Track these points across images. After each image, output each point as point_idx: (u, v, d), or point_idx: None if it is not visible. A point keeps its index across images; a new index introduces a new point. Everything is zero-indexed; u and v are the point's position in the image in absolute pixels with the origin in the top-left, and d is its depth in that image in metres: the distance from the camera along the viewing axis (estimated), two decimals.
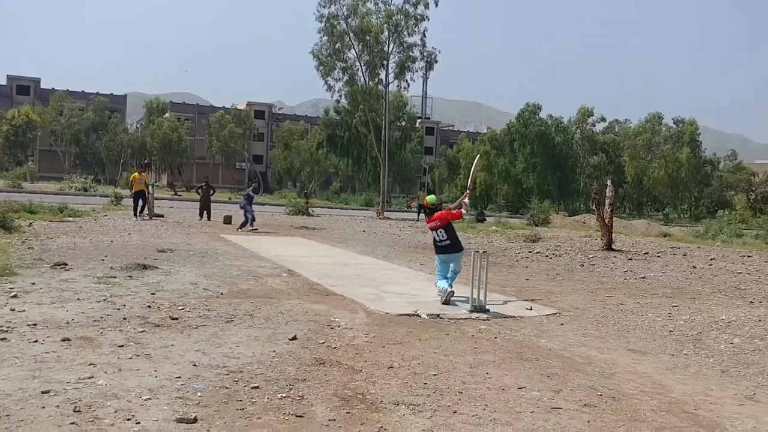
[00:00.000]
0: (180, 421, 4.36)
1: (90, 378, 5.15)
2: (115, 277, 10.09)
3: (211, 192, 27.35)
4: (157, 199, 29.03)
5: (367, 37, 37.02)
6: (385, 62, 37.93)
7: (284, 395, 5.01)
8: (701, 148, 73.84)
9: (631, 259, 16.52)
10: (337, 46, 37.59)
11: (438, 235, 9.91)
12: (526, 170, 70.25)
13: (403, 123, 70.69)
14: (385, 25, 37.02)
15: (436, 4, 37.78)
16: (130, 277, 10.19)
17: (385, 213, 39.84)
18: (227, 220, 25.00)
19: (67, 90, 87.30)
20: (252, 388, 5.15)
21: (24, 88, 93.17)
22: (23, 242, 14.06)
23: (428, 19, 37.70)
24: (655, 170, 70.89)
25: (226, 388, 5.13)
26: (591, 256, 16.95)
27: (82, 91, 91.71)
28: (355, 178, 75.18)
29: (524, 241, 20.91)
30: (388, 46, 37.66)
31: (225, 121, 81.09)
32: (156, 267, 11.29)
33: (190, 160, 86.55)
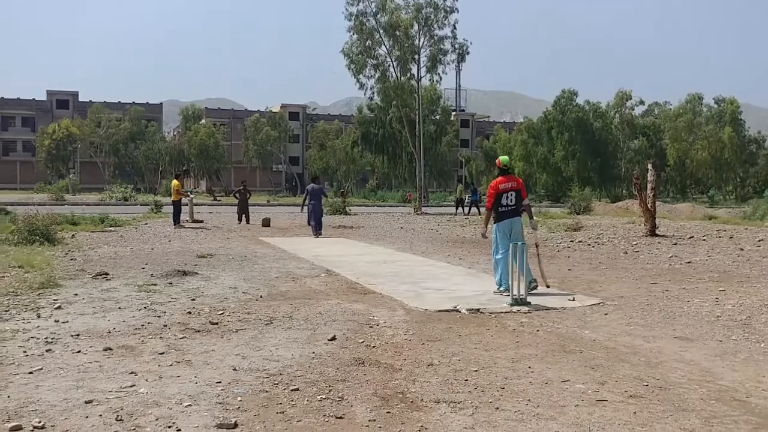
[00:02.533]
0: (220, 426, 4.35)
1: (131, 386, 5.18)
2: (155, 284, 10.20)
3: (248, 195, 27.59)
4: (196, 204, 29.40)
5: (397, 33, 37.01)
6: (416, 56, 37.84)
7: (324, 397, 4.98)
8: (744, 127, 72.28)
9: (675, 244, 16.18)
10: (367, 44, 37.65)
11: (507, 198, 9.72)
12: (566, 158, 69.48)
13: (438, 116, 70.42)
14: (415, 20, 36.91)
15: None
16: (170, 284, 10.29)
17: (423, 208, 39.74)
18: (266, 222, 25.20)
19: (104, 101, 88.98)
20: (291, 390, 5.13)
21: (63, 102, 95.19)
22: (66, 254, 14.32)
23: (458, 11, 37.57)
24: (698, 152, 69.65)
25: (266, 391, 5.12)
26: (634, 242, 16.66)
27: (119, 102, 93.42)
28: (391, 175, 75.14)
29: (565, 230, 20.64)
30: (419, 40, 37.60)
31: (260, 124, 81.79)
32: (196, 273, 11.40)
33: (227, 165, 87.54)
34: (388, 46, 37.82)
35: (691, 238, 17.26)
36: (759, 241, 16.15)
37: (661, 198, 55.72)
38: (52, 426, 4.34)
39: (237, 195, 27.88)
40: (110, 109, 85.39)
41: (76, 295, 9.22)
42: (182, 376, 5.49)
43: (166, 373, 5.55)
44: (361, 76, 38.04)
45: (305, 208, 21.51)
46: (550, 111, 72.16)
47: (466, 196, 37.07)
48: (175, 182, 25.96)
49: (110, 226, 22.94)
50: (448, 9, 37.43)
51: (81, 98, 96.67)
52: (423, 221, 29.59)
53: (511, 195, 9.74)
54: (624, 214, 33.36)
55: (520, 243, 8.92)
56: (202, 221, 26.58)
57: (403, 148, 58.78)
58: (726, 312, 8.24)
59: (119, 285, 10.13)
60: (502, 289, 9.53)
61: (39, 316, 7.78)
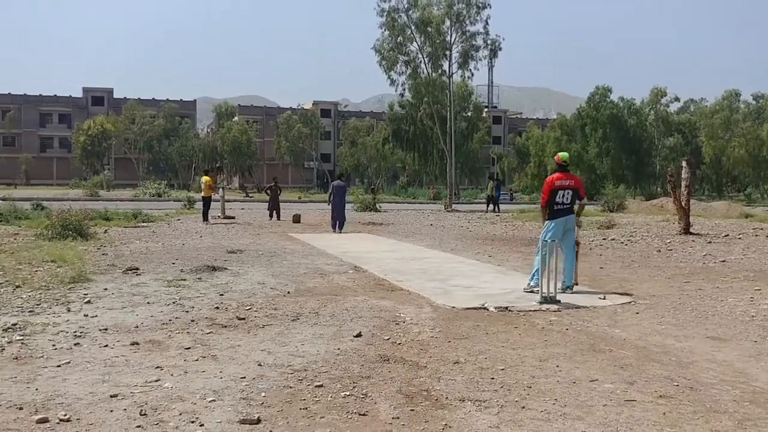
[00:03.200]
0: (243, 422, 4.34)
1: (156, 381, 5.19)
2: (185, 279, 10.26)
3: (279, 192, 27.70)
4: (228, 201, 29.60)
5: (429, 29, 36.84)
6: (447, 53, 37.66)
7: (348, 393, 4.94)
8: None
9: (710, 242, 15.89)
10: (398, 40, 37.57)
11: (563, 197, 9.53)
12: (599, 155, 68.63)
13: (469, 113, 70.06)
14: (446, 16, 36.74)
15: None
16: (199, 279, 10.34)
17: (453, 205, 39.57)
18: (296, 219, 25.27)
19: (139, 98, 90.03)
20: (316, 386, 5.10)
21: (98, 99, 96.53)
22: (98, 249, 14.48)
23: (490, 7, 37.30)
24: (735, 149, 68.37)
25: (290, 387, 5.10)
26: (668, 240, 16.39)
27: (153, 99, 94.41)
28: (422, 172, 74.98)
29: (598, 228, 20.39)
30: (451, 36, 37.42)
31: (292, 121, 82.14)
32: (225, 268, 11.45)
33: (259, 162, 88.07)
34: (419, 43, 37.73)
35: (726, 236, 16.94)
36: None
37: (696, 196, 54.96)
38: (77, 419, 4.36)
39: (268, 191, 28.00)
40: (144, 105, 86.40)
41: (106, 289, 9.30)
42: (207, 371, 5.50)
43: (191, 368, 5.56)
44: (392, 72, 38.04)
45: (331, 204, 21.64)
46: (584, 108, 71.34)
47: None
48: (206, 178, 26.12)
49: (143, 222, 23.18)
50: (480, 5, 37.24)
51: (116, 95, 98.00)
52: (453, 218, 29.47)
53: (568, 193, 9.54)
54: (658, 212, 32.89)
55: (551, 240, 8.80)
56: (233, 217, 26.75)
57: (434, 144, 58.60)
58: (761, 312, 8.05)
59: (149, 280, 10.21)
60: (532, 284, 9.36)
61: (69, 310, 7.86)
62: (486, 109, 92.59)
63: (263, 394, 4.92)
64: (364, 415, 4.52)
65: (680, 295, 9.31)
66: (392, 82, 38.62)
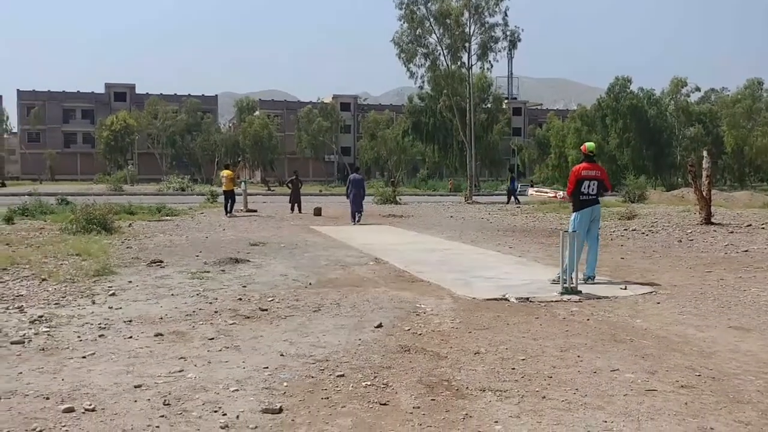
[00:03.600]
0: (265, 411, 4.39)
1: (180, 372, 5.26)
2: (208, 272, 10.36)
3: (300, 185, 27.81)
4: (250, 194, 29.74)
5: (448, 21, 36.70)
6: (467, 44, 37.52)
7: (369, 383, 4.98)
8: None
9: (732, 232, 15.75)
10: (417, 32, 37.47)
11: (588, 187, 9.56)
12: (620, 146, 68.10)
13: (489, 105, 69.77)
14: (465, 7, 36.60)
15: None
16: (222, 271, 10.45)
17: (473, 197, 39.49)
18: (317, 211, 25.38)
19: (161, 94, 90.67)
20: (337, 376, 5.15)
21: (121, 94, 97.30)
22: (122, 242, 14.66)
23: None
24: (758, 138, 67.52)
25: (312, 377, 5.15)
26: (689, 231, 16.26)
27: (175, 94, 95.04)
28: (442, 164, 74.83)
29: (619, 218, 20.29)
30: (470, 28, 37.24)
31: (313, 115, 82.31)
32: (248, 260, 11.55)
33: (281, 156, 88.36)
34: (438, 35, 37.62)
35: (749, 226, 16.77)
36: None
37: (717, 186, 54.42)
38: (102, 409, 4.44)
39: (289, 185, 28.11)
40: (167, 101, 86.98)
41: (131, 282, 9.42)
42: (230, 361, 5.56)
43: (214, 359, 5.63)
44: (411, 64, 37.96)
45: (349, 197, 21.85)
46: (604, 98, 70.78)
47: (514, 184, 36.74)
48: (227, 172, 26.24)
49: (167, 216, 23.40)
50: None
51: (138, 91, 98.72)
52: (473, 210, 29.42)
53: (593, 184, 9.56)
54: (679, 203, 32.63)
55: (572, 231, 8.79)
56: (255, 210, 26.93)
57: (453, 137, 58.50)
58: None
59: (173, 272, 10.32)
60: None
61: (94, 303, 7.97)
62: (506, 101, 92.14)
63: (285, 383, 4.98)
64: (384, 404, 4.56)
65: (702, 285, 9.25)
66: (411, 75, 38.60)
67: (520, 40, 38.65)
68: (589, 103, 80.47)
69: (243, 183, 29.37)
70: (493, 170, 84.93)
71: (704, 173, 17.91)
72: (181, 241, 15.17)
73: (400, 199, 35.82)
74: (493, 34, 37.70)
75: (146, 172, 79.90)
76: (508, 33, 38.01)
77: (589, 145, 10.04)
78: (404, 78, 40.72)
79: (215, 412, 4.40)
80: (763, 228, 16.24)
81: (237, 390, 4.82)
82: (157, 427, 4.13)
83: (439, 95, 50.32)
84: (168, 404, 4.53)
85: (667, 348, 6.01)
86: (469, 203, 36.07)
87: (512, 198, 35.18)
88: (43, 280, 9.45)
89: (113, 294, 8.49)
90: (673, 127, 71.67)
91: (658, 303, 8.12)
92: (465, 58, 38.61)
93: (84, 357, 5.66)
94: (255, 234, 17.06)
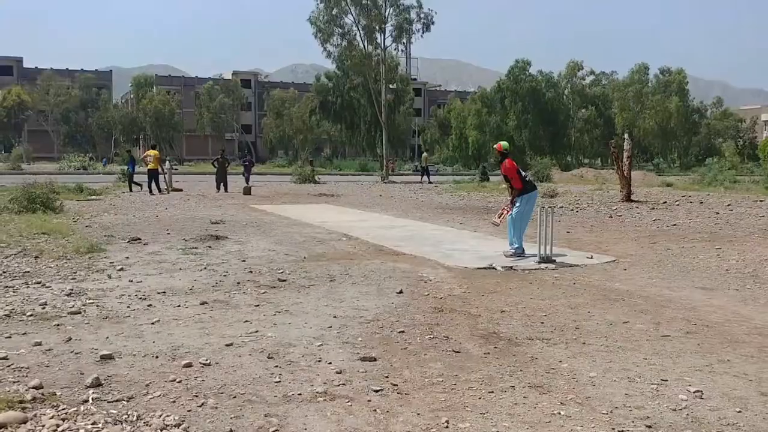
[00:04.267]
0: (364, 359, 5.08)
1: (256, 332, 5.85)
2: (196, 248, 10.78)
3: (227, 164, 27.94)
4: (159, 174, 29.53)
5: (364, 2, 37.31)
6: (383, 26, 38.30)
7: (431, 336, 5.75)
8: (689, 97, 74.75)
9: (653, 208, 17.34)
10: (334, 12, 37.88)
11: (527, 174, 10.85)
12: (518, 127, 70.79)
13: (395, 85, 70.87)
14: None
15: None
16: (209, 247, 10.89)
17: (390, 177, 40.51)
18: (247, 191, 25.67)
19: (51, 68, 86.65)
20: (399, 332, 5.88)
21: (6, 68, 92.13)
22: (75, 221, 14.67)
23: None
24: (645, 120, 71.81)
25: (377, 333, 5.86)
26: (614, 208, 17.77)
27: (67, 69, 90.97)
28: (348, 144, 75.53)
29: (542, 196, 21.64)
30: (386, 10, 37.99)
31: (214, 92, 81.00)
32: (226, 237, 12.00)
33: (179, 134, 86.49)
34: (354, 15, 38.20)
35: (664, 203, 18.45)
36: (728, 205, 17.43)
37: (609, 166, 57.80)
38: (217, 363, 4.99)
39: (215, 164, 28.16)
40: (59, 76, 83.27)
41: (128, 258, 9.75)
42: (293, 323, 6.19)
43: (277, 321, 6.24)
44: (328, 44, 38.42)
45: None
46: (504, 81, 73.18)
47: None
48: (154, 152, 26.24)
49: (91, 196, 23.12)
50: None
51: (26, 64, 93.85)
52: (397, 189, 30.39)
53: (528, 172, 10.64)
54: (579, 182, 34.80)
55: (547, 206, 9.81)
56: (181, 189, 26.89)
57: (361, 117, 59.32)
58: (732, 266, 9.29)
59: (160, 249, 10.67)
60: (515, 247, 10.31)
61: (110, 277, 8.32)
62: (414, 81, 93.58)
63: (359, 338, 5.68)
64: (458, 352, 5.35)
65: (654, 254, 10.50)
66: (328, 54, 39.11)
67: (433, 23, 39.81)
68: (481, 84, 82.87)
69: (168, 162, 29.18)
70: (399, 150, 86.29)
71: (625, 154, 19.45)
72: (135, 220, 15.31)
73: (318, 179, 36.34)
74: (407, 16, 38.64)
75: (39, 151, 76.22)
76: (422, 15, 39.09)
77: (503, 144, 11.01)
78: (297, 55, 41.45)
79: (319, 362, 5.06)
80: (678, 205, 17.94)
81: (322, 345, 5.48)
82: (280, 374, 4.76)
83: (347, 75, 50.87)
84: (271, 357, 5.14)
85: (656, 305, 7.07)
86: (386, 183, 37.04)
87: (426, 176, 36.63)
88: (36, 257, 9.63)
89: (121, 269, 8.82)
90: (569, 109, 75.08)
91: (625, 269, 9.25)
92: (380, 39, 39.41)
93: (153, 324, 6.12)
94: (201, 212, 17.35)
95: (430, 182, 35.58)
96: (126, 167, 29.68)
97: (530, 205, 10.56)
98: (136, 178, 27.43)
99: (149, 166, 25.82)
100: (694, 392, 4.41)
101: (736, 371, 4.89)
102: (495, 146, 11.05)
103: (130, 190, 26.12)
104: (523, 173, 10.70)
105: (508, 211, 10.65)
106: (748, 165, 56.19)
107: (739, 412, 4.12)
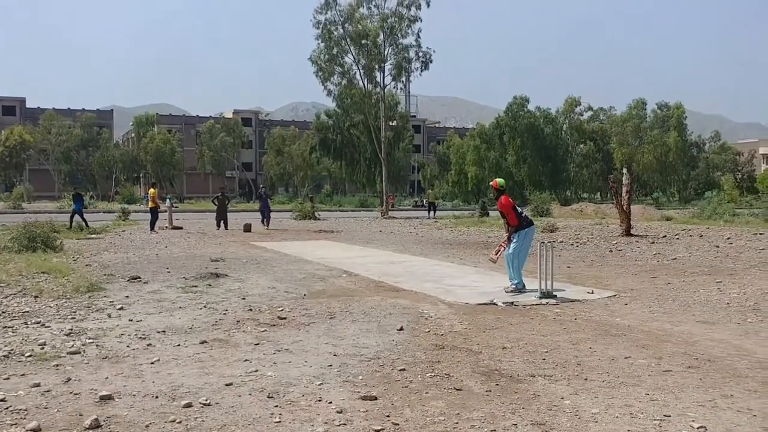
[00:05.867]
0: (364, 398, 5.05)
1: (255, 371, 5.82)
2: (196, 286, 10.76)
3: (227, 202, 28.00)
4: (161, 212, 29.61)
5: (364, 41, 37.75)
6: (382, 65, 38.69)
7: (432, 374, 5.72)
8: (687, 131, 75.26)
9: (653, 242, 17.35)
10: (334, 51, 38.29)
11: (523, 210, 10.70)
12: (517, 162, 71.22)
13: (395, 123, 71.37)
14: (380, 29, 37.78)
15: (428, 5, 38.69)
16: (209, 285, 10.86)
17: (389, 212, 40.59)
18: (248, 228, 25.67)
19: (53, 108, 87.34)
20: (400, 370, 5.85)
21: (10, 108, 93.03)
22: (75, 260, 14.67)
23: (421, 20, 38.62)
24: (644, 155, 72.17)
25: (378, 371, 5.83)
26: (615, 242, 17.77)
27: (68, 108, 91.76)
28: (348, 180, 75.81)
29: (542, 231, 21.67)
30: (385, 49, 38.41)
31: (215, 130, 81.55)
32: (226, 275, 11.98)
33: (180, 172, 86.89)
34: (354, 55, 38.62)
35: (664, 237, 18.46)
36: (727, 239, 17.43)
37: (609, 201, 57.93)
38: (216, 403, 4.96)
39: (215, 201, 28.21)
40: (61, 115, 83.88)
41: (128, 297, 9.73)
42: (293, 362, 6.15)
43: (276, 360, 6.21)
44: (328, 83, 38.80)
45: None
46: (503, 117, 73.82)
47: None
48: (152, 191, 26.43)
49: (91, 234, 23.13)
50: (411, 18, 38.47)
51: (28, 105, 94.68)
52: (396, 225, 30.41)
53: (525, 207, 10.67)
54: (579, 216, 34.79)
55: (548, 242, 9.82)
56: (181, 227, 26.91)
57: (361, 153, 59.47)
58: (733, 299, 9.28)
59: (160, 287, 10.65)
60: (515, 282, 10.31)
61: (110, 316, 8.31)
62: (414, 118, 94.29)
63: (360, 377, 5.64)
64: (459, 390, 5.31)
65: (655, 289, 10.47)
66: (329, 93, 39.48)
67: (431, 61, 40.16)
68: (480, 120, 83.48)
69: (168, 200, 29.26)
70: (398, 186, 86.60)
71: (624, 188, 19.53)
72: (135, 259, 15.29)
73: (318, 215, 36.40)
74: (406, 55, 39.05)
75: (39, 189, 76.56)
76: (420, 54, 39.49)
77: (499, 181, 11.09)
78: (297, 94, 42.00)
79: (319, 401, 5.03)
80: (677, 239, 17.95)
81: (322, 384, 5.45)
82: (280, 414, 4.72)
83: (348, 113, 51.25)
84: (271, 397, 5.11)
85: (657, 339, 7.05)
86: (386, 218, 37.09)
87: (432, 212, 36.93)
88: (36, 297, 9.62)
89: (121, 308, 8.81)
90: (567, 144, 75.54)
91: (626, 304, 9.23)
92: (379, 78, 39.80)
93: (152, 363, 6.10)
94: (201, 250, 17.33)
95: (435, 219, 35.69)
96: (72, 206, 27.50)
97: (527, 240, 10.57)
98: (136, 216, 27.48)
99: (150, 204, 25.97)
100: (697, 428, 4.39)
101: (739, 406, 4.86)
102: (491, 183, 11.13)
103: (69, 227, 24.22)
104: (519, 209, 10.74)
105: (504, 247, 10.67)
106: (746, 198, 56.36)
107: None
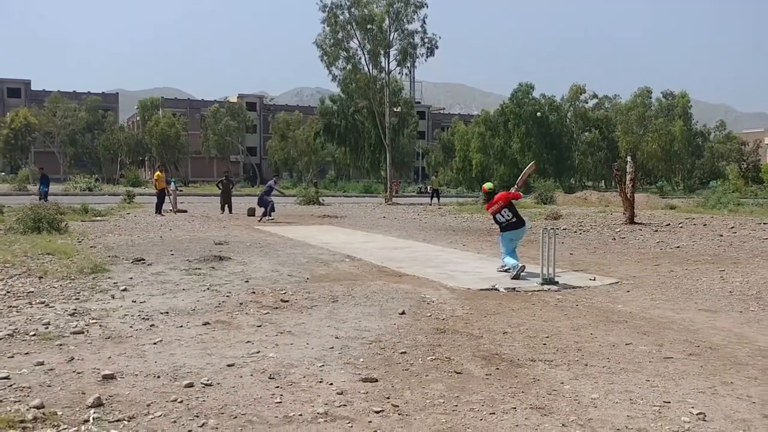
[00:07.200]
0: (365, 380, 5.08)
1: (257, 353, 5.85)
2: (199, 268, 10.79)
3: (231, 186, 28.02)
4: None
5: (369, 26, 37.61)
6: (387, 50, 38.57)
7: (433, 357, 5.74)
8: (692, 120, 74.93)
9: (656, 231, 17.33)
10: (339, 36, 38.17)
11: (503, 216, 10.63)
12: (522, 150, 70.95)
13: (399, 108, 71.23)
14: (386, 14, 37.63)
15: None
16: (213, 268, 10.89)
17: (393, 198, 40.60)
18: (251, 212, 25.70)
19: (59, 90, 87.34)
20: (401, 353, 5.88)
21: (15, 90, 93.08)
22: (80, 242, 14.70)
23: (427, 6, 38.42)
24: (648, 144, 71.93)
25: (379, 354, 5.86)
26: (618, 230, 17.76)
27: (74, 91, 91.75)
28: (352, 166, 75.78)
29: (546, 218, 21.68)
30: (391, 35, 38.28)
31: (220, 114, 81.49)
32: (230, 258, 12.00)
33: (185, 156, 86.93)
34: (359, 39, 38.49)
35: (667, 225, 18.45)
36: (731, 228, 17.41)
37: (613, 189, 57.87)
38: (218, 383, 5.00)
39: (220, 185, 28.23)
40: (66, 98, 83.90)
41: (131, 278, 9.76)
42: (295, 344, 6.18)
43: (278, 342, 6.24)
44: (333, 67, 38.71)
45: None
46: (507, 104, 73.49)
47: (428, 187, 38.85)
48: (158, 173, 26.46)
49: (95, 217, 23.19)
50: (417, 3, 38.29)
51: (33, 87, 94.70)
52: (400, 211, 30.43)
53: (506, 212, 10.71)
54: (583, 204, 34.77)
55: (550, 228, 9.82)
56: (185, 210, 26.98)
57: (365, 139, 59.41)
58: (736, 288, 9.28)
59: (164, 269, 10.69)
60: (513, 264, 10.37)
61: (113, 297, 8.34)
62: (418, 104, 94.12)
63: (361, 359, 5.67)
64: (459, 373, 5.34)
65: (658, 276, 10.48)
66: (333, 77, 39.41)
67: (437, 47, 40.00)
68: (484, 107, 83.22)
69: (173, 183, 29.29)
70: (402, 172, 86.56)
71: (628, 177, 19.49)
72: (139, 241, 15.32)
73: (322, 200, 36.42)
74: (411, 40, 38.91)
75: (45, 172, 76.81)
76: (426, 40, 39.34)
77: (487, 185, 11.34)
78: (301, 79, 42.01)
79: (320, 382, 5.06)
80: (681, 227, 17.94)
81: (323, 365, 5.48)
82: (281, 395, 4.76)
83: (352, 98, 51.15)
84: (273, 378, 5.14)
85: (658, 326, 7.06)
86: (390, 204, 37.10)
87: (436, 199, 36.88)
88: (41, 277, 9.65)
89: (125, 289, 8.84)
90: (572, 132, 75.30)
91: (628, 291, 9.24)
92: (384, 63, 39.68)
93: (155, 344, 6.13)
94: (206, 233, 17.36)
95: (439, 206, 35.67)
96: (39, 186, 28.18)
97: (519, 235, 10.83)
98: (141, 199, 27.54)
99: (159, 186, 26.07)
100: (696, 414, 4.41)
101: (739, 393, 4.88)
102: (481, 189, 11.32)
103: None
104: (501, 215, 10.85)
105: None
106: (751, 188, 56.26)
107: None
